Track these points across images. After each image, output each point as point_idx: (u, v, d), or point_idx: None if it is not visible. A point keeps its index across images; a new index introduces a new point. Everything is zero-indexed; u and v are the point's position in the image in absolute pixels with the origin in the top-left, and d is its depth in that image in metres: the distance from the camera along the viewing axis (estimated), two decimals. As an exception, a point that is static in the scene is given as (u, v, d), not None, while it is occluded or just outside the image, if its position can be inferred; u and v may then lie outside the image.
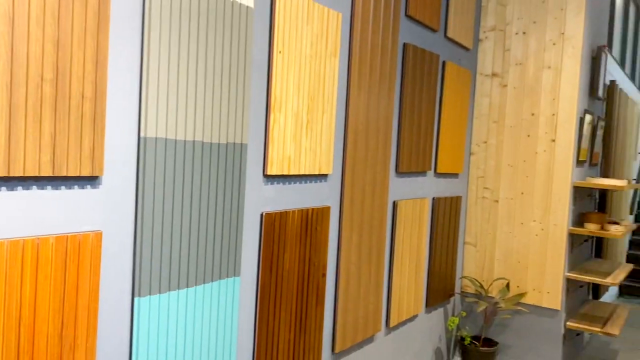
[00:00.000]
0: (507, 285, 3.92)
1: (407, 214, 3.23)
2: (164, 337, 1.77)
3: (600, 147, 4.44)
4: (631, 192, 6.62)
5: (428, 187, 3.51)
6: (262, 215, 2.16)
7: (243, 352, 2.14)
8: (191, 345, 1.86)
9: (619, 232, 3.70)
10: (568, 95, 3.73)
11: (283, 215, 2.23)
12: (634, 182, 6.74)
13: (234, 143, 1.96)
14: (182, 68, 1.74)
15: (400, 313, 3.26)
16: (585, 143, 3.91)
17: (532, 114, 3.86)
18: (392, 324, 3.16)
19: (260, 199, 2.16)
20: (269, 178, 2.19)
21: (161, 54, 1.67)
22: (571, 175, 3.73)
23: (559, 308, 3.77)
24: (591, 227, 3.78)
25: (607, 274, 3.86)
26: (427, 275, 3.59)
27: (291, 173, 2.26)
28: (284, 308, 2.28)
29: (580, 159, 3.85)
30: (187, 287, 1.82)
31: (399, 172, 3.14)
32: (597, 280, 3.70)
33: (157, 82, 1.67)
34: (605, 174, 4.60)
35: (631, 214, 6.34)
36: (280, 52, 2.13)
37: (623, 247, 6.06)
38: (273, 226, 2.18)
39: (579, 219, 3.99)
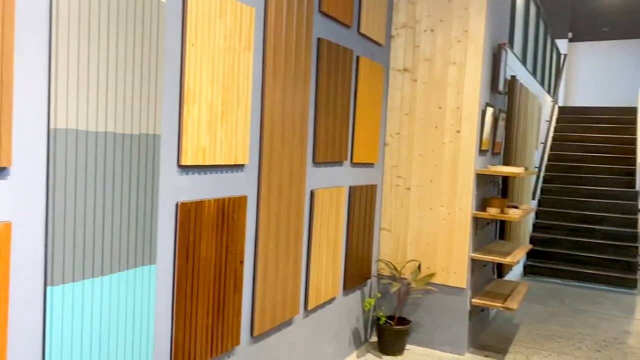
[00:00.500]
0: (419, 267, 4.19)
1: (324, 202, 3.38)
2: (79, 325, 1.80)
3: (502, 138, 4.81)
4: (534, 179, 7.18)
5: (344, 176, 3.68)
6: (177, 204, 2.21)
7: (161, 339, 2.20)
8: (107, 332, 1.90)
9: (517, 215, 4.05)
10: (471, 89, 4.02)
11: (199, 205, 2.30)
12: (535, 170, 7.32)
13: (147, 134, 2.00)
14: (92, 59, 1.77)
15: (319, 296, 3.41)
16: (487, 134, 4.24)
17: (440, 107, 4.13)
18: (310, 307, 3.31)
19: (176, 189, 2.22)
20: (184, 168, 2.25)
21: (70, 45, 1.69)
22: (474, 164, 4.03)
23: (464, 286, 4.08)
24: (492, 211, 4.11)
25: (507, 254, 4.22)
26: (345, 260, 3.76)
27: (207, 163, 2.33)
28: (201, 294, 2.35)
29: (483, 148, 4.17)
30: (102, 275, 1.86)
31: (316, 162, 3.28)
32: (498, 259, 4.03)
33: (67, 73, 1.69)
34: (506, 162, 5.00)
35: (533, 199, 6.88)
36: (193, 44, 2.18)
37: (527, 230, 6.58)
38: (189, 215, 2.25)
39: (483, 204, 4.33)
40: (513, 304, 4.06)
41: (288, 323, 3.14)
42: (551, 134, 9.15)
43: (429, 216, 4.19)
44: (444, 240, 4.15)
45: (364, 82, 3.78)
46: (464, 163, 4.06)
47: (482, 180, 4.27)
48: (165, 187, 2.16)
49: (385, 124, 4.32)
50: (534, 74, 7.16)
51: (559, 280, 6.85)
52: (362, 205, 3.93)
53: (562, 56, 10.05)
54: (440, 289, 4.16)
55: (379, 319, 4.07)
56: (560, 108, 10.15)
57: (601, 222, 7.48)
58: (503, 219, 4.03)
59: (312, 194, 3.25)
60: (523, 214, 4.23)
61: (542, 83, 8.03)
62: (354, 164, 3.80)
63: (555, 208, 7.89)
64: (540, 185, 8.16)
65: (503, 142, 5.01)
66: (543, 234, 7.53)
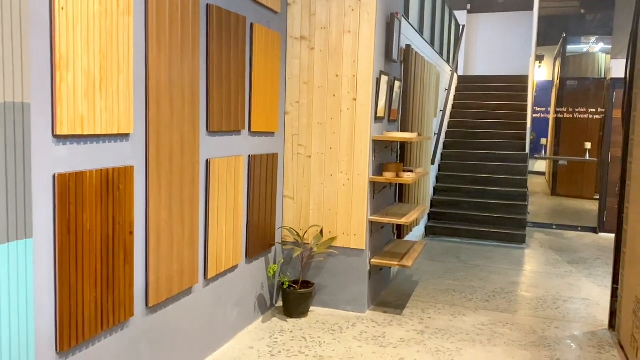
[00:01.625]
0: (321, 232, 4.33)
1: (221, 171, 3.37)
2: (-56, 304, 1.71)
3: (398, 105, 5.00)
4: (433, 145, 7.54)
5: (243, 145, 3.68)
6: (54, 176, 2.14)
7: (43, 315, 2.14)
8: (-21, 310, 1.82)
9: (410, 178, 4.27)
10: (365, 57, 4.14)
11: (79, 176, 2.23)
12: (435, 136, 7.69)
13: (14, 102, 1.90)
14: (-60, 22, 1.64)
15: (219, 265, 3.44)
16: (383, 101, 4.39)
17: (337, 75, 4.22)
18: (210, 275, 3.33)
19: (52, 160, 2.14)
20: (60, 138, 2.17)
21: None
22: (370, 130, 4.18)
23: (364, 248, 4.27)
24: (388, 176, 4.30)
25: (403, 215, 4.45)
26: (247, 228, 3.81)
27: (86, 133, 2.25)
28: (87, 267, 2.30)
29: (379, 115, 4.33)
30: (-32, 251, 1.77)
31: (211, 132, 3.26)
32: (393, 220, 4.25)
33: None
34: (403, 129, 5.22)
35: (433, 164, 7.25)
36: (62, 8, 2.08)
37: (427, 193, 6.94)
38: (68, 187, 2.18)
39: (380, 169, 4.51)
40: (408, 261, 4.31)
41: (187, 292, 3.15)
42: (451, 102, 9.61)
43: (329, 182, 4.31)
44: (344, 205, 4.29)
45: (260, 50, 3.77)
46: (361, 130, 4.19)
47: (379, 146, 4.44)
48: (39, 158, 2.07)
49: (285, 92, 4.35)
50: (431, 43, 7.45)
51: (457, 239, 7.33)
52: (263, 174, 3.97)
53: (461, 27, 10.50)
54: (341, 251, 4.33)
55: (283, 284, 4.18)
56: (460, 77, 10.66)
57: (495, 183, 8.03)
58: (398, 182, 4.23)
59: (207, 163, 3.24)
60: (416, 177, 4.46)
61: (440, 53, 8.37)
62: (253, 133, 3.82)
63: (454, 172, 8.36)
64: (440, 151, 8.59)
65: (400, 110, 5.22)
66: (443, 196, 7.97)
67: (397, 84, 4.76)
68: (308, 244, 4.30)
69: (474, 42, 12.17)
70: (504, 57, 11.80)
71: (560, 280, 5.50)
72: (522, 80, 10.08)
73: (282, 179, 4.41)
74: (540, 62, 16.20)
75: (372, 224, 4.35)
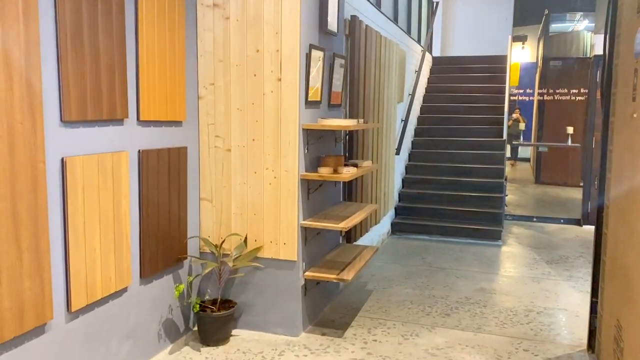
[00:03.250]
0: (245, 240, 3.60)
1: (88, 173, 2.63)
2: None
3: (343, 88, 4.25)
4: (397, 133, 6.81)
5: (127, 138, 2.93)
6: None
7: None
8: None
9: (349, 174, 3.54)
10: (290, 28, 3.38)
11: None
12: (402, 123, 6.95)
13: None
14: None
15: (92, 292, 2.70)
16: (316, 82, 3.65)
17: (257, 51, 3.47)
18: (76, 307, 2.60)
19: None
20: None
21: None
22: (299, 117, 3.44)
23: (295, 259, 3.54)
24: (324, 172, 3.57)
25: (344, 218, 3.72)
26: (140, 241, 3.07)
27: None
28: None
29: (311, 99, 3.58)
30: None
31: (67, 121, 2.50)
32: (329, 226, 3.52)
33: None
34: (352, 115, 4.48)
35: (398, 153, 6.53)
36: None
37: (391, 186, 6.22)
38: None
39: (317, 164, 3.78)
40: (349, 274, 3.60)
41: (37, 332, 2.42)
42: (423, 85, 8.88)
43: (253, 181, 3.58)
44: (271, 209, 3.56)
45: (149, 16, 3.00)
46: (288, 117, 3.45)
47: (314, 136, 3.70)
48: None
49: (197, 73, 3.59)
50: (395, 19, 6.69)
51: (426, 237, 6.63)
52: (164, 173, 3.23)
53: (435, 3, 9.74)
54: (269, 263, 3.61)
55: (194, 306, 3.45)
56: (435, 59, 9.92)
57: (469, 174, 7.33)
58: (334, 179, 3.50)
59: (63, 163, 2.49)
60: (359, 172, 3.73)
61: (408, 31, 7.62)
62: (145, 123, 3.06)
63: (425, 162, 7.65)
64: (410, 138, 7.88)
65: (346, 93, 4.48)
66: (412, 189, 7.26)
67: (338, 62, 4.01)
68: (229, 254, 3.57)
69: (452, 22, 11.41)
70: (484, 36, 11.06)
71: (536, 286, 4.82)
72: (501, 60, 9.35)
73: (197, 178, 3.66)
74: (523, 43, 15.48)
75: (306, 229, 3.63)
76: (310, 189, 3.68)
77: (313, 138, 3.67)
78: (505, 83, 8.71)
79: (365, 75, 4.75)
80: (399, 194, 7.17)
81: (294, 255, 3.54)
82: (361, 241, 5.13)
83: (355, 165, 3.89)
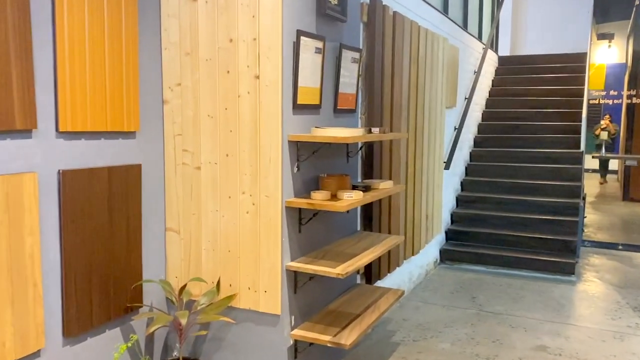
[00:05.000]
0: (218, 285, 2.80)
1: (-36, 202, 1.93)
2: None
3: (358, 88, 3.37)
4: (449, 143, 5.80)
5: (37, 155, 2.22)
6: None
7: None
8: None
9: (346, 203, 2.63)
10: (270, 8, 2.56)
11: None
12: (454, 131, 5.93)
13: None
14: None
15: (-27, 363, 2.00)
16: (312, 80, 2.79)
17: (231, 40, 2.67)
18: (-62, 388, 1.90)
19: None
20: None
21: None
22: (281, 126, 2.60)
23: (279, 312, 2.69)
24: (317, 197, 2.70)
25: (350, 257, 2.83)
26: (63, 290, 2.34)
27: None
28: None
29: (302, 102, 2.73)
30: None
31: None
32: (320, 270, 2.64)
33: None
34: (371, 123, 3.57)
35: (447, 168, 5.51)
36: None
37: (438, 208, 5.22)
38: None
39: (314, 185, 2.91)
40: (350, 337, 2.69)
41: None
42: (486, 88, 7.76)
43: (227, 209, 2.77)
44: (248, 245, 2.74)
45: (74, -1, 2.29)
46: (268, 126, 2.63)
47: (308, 149, 2.83)
48: None
49: (161, 70, 2.85)
50: (444, 10, 5.69)
51: (481, 268, 5.55)
52: (101, 200, 2.50)
53: (501, -3, 8.56)
54: (246, 316, 2.78)
55: (147, 369, 2.69)
56: (501, 58, 8.74)
57: (538, 192, 6.16)
58: (325, 208, 2.62)
59: None
60: (365, 199, 2.81)
61: (464, 25, 6.57)
62: (68, 134, 2.35)
63: (485, 177, 6.55)
64: (469, 149, 6.80)
65: (363, 95, 3.58)
66: (467, 209, 6.19)
67: (348, 55, 3.13)
68: (196, 300, 2.78)
69: (523, 16, 10.14)
70: (560, 32, 9.71)
71: (619, 346, 3.67)
72: (579, 59, 8.04)
73: (162, 203, 2.91)
74: (610, 42, 13.77)
75: (296, 273, 2.77)
76: (303, 218, 2.82)
77: (306, 152, 2.81)
78: (583, 84, 7.42)
79: (394, 73, 3.83)
80: (452, 215, 6.12)
81: (277, 307, 2.69)
82: (392, 278, 4.19)
83: (366, 188, 2.99)
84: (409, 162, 4.25)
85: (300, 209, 2.76)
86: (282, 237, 2.66)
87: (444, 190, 5.73)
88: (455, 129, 6.00)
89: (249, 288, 2.76)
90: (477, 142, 7.06)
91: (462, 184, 6.53)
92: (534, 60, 8.47)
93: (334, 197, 2.77)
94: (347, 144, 3.28)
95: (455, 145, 5.74)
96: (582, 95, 7.31)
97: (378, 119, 3.61)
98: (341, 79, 3.10)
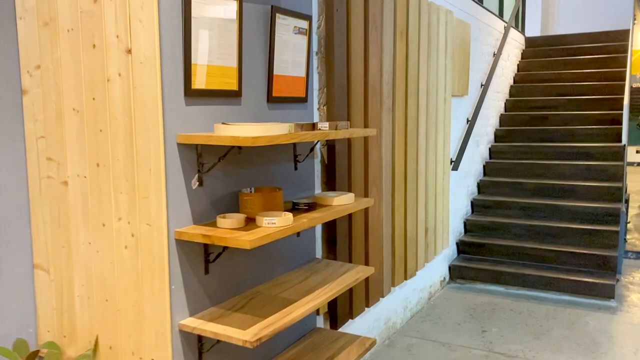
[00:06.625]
0: (96, 347, 2.00)
1: None
2: None
3: (308, 69, 2.50)
4: (460, 138, 4.86)
5: None
6: None
7: None
8: None
9: (256, 235, 1.77)
10: (138, -53, 1.73)
11: None
12: (467, 124, 4.99)
13: None
14: None
15: None
16: (219, 55, 1.95)
17: (95, 1, 1.86)
18: None
19: None
20: None
21: None
22: (163, 122, 1.77)
23: (170, 391, 1.87)
24: (225, 225, 1.86)
25: (286, 304, 1.99)
26: None
27: None
28: None
29: (199, 86, 1.89)
30: None
31: None
32: (223, 334, 1.80)
33: None
34: (331, 117, 2.69)
35: (456, 169, 4.58)
36: None
37: (439, 219, 4.31)
38: None
39: (231, 205, 2.07)
40: None
41: None
42: (511, 74, 6.74)
43: (102, 240, 1.97)
44: (129, 293, 1.93)
45: None
46: (145, 122, 1.80)
47: (214, 154, 1.99)
48: None
49: (18, 49, 2.06)
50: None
51: (498, 288, 4.60)
52: None
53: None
54: (130, 392, 1.97)
55: None
56: (529, 39, 7.68)
57: (570, 195, 5.16)
58: (224, 244, 1.77)
59: None
60: (299, 225, 1.95)
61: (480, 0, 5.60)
62: None
63: (507, 177, 5.58)
64: (487, 145, 5.83)
65: (319, 79, 2.71)
66: (484, 216, 5.24)
67: (288, 23, 2.27)
68: (66, 371, 1.98)
69: (554, -6, 9.00)
70: (599, 9, 8.55)
71: (676, 413, 2.70)
72: (620, 36, 6.93)
73: (27, 232, 2.13)
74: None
75: (201, 335, 1.94)
76: (211, 253, 1.99)
77: (212, 158, 1.97)
78: (625, 66, 6.33)
79: (369, 51, 2.94)
80: (465, 223, 5.18)
81: (169, 382, 1.87)
82: (375, 311, 3.32)
83: (310, 207, 2.13)
84: (396, 164, 3.36)
85: (188, 243, 1.92)
86: (172, 283, 1.84)
87: (453, 195, 4.80)
88: (467, 121, 5.06)
89: (133, 354, 1.94)
90: (497, 136, 6.08)
91: (478, 185, 5.57)
92: (567, 40, 7.38)
93: (252, 222, 1.93)
94: (294, 145, 2.42)
95: (466, 141, 4.79)
96: (623, 79, 6.23)
97: (343, 110, 2.74)
98: (277, 56, 2.24)
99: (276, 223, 1.87)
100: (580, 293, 4.35)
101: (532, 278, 4.52)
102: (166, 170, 1.79)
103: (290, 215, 1.94)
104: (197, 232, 1.79)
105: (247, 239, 1.71)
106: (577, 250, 4.59)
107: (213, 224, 1.92)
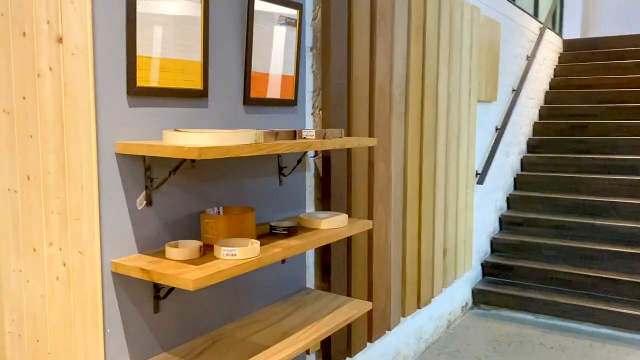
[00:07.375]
0: (26, 394, 1.66)
1: None
2: None
3: (297, 65, 2.12)
4: (488, 148, 4.41)
5: None
6: None
7: None
8: None
9: (204, 274, 1.40)
10: None
11: None
12: (496, 132, 4.53)
13: None
14: None
15: None
16: (177, 47, 1.60)
17: (23, -23, 1.53)
18: None
19: None
20: None
21: None
22: (96, 127, 1.43)
23: None
24: (174, 256, 1.50)
25: (257, 351, 1.62)
26: None
27: None
28: None
29: (147, 84, 1.54)
30: None
31: None
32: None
33: None
34: (327, 124, 2.31)
35: (481, 182, 4.13)
36: None
37: (461, 238, 3.87)
38: None
39: (192, 229, 1.72)
40: None
41: None
42: (547, 79, 6.23)
43: (32, 268, 1.63)
44: (61, 333, 1.59)
45: None
46: (77, 126, 1.46)
47: (165, 166, 1.63)
48: None
49: (-52, 38, 1.75)
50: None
51: (528, 317, 4.12)
52: None
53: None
54: None
55: None
56: (567, 42, 7.13)
57: (610, 213, 4.63)
58: (163, 282, 1.41)
59: None
60: (244, 264, 1.57)
61: (512, -5, 5.13)
62: None
63: (539, 192, 5.08)
64: (518, 155, 5.34)
65: (316, 81, 2.33)
66: (514, 234, 4.75)
67: (272, 12, 1.91)
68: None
69: (595, -5, 8.41)
70: (644, 12, 7.93)
71: None
72: (671, 39, 6.33)
73: (-43, 252, 1.81)
74: None
75: (144, 382, 1.58)
76: (161, 287, 1.63)
77: (164, 172, 1.62)
78: (677, 71, 5.75)
79: (375, 48, 2.55)
80: (491, 242, 4.71)
81: None
82: (382, 345, 2.91)
83: (290, 231, 1.76)
84: (408, 178, 2.95)
85: (123, 277, 1.57)
86: (107, 325, 1.49)
87: (479, 210, 4.35)
88: (496, 129, 4.60)
89: (65, 407, 1.60)
90: (530, 146, 5.58)
91: (507, 200, 5.09)
92: (609, 43, 6.81)
93: (210, 252, 1.57)
94: (278, 156, 2.06)
95: (494, 152, 4.34)
96: (673, 86, 5.65)
97: (342, 116, 2.35)
98: (256, 50, 1.88)
99: (237, 255, 1.50)
100: (622, 327, 3.83)
101: (566, 307, 4.02)
102: (99, 186, 1.44)
103: (257, 244, 1.56)
104: (135, 265, 1.44)
105: (189, 278, 1.34)
106: (618, 277, 4.07)
107: (161, 254, 1.56)
